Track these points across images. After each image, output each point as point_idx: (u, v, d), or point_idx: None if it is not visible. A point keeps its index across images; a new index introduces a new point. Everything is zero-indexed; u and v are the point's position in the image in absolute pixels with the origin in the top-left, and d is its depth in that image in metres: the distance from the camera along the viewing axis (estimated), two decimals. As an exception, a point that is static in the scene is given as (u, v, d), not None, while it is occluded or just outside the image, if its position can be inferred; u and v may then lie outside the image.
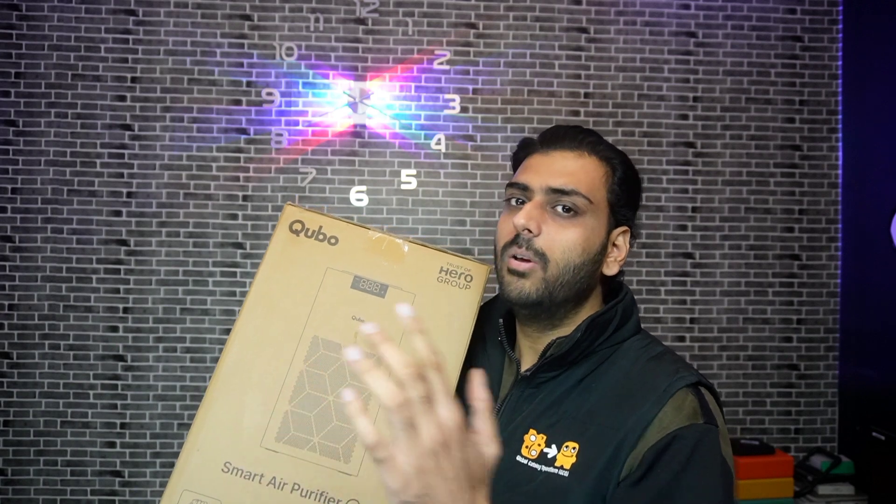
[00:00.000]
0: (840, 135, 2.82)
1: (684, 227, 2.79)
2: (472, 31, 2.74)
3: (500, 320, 0.88)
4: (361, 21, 2.72)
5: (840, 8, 2.81)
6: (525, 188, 0.81)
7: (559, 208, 0.79)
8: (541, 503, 0.72)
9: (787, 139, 2.81)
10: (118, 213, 2.66)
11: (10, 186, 2.64)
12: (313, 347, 0.82)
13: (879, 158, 2.60)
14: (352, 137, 2.72)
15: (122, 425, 2.63)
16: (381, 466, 0.50)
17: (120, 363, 2.65)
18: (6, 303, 2.63)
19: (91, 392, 2.63)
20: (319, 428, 0.79)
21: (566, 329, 0.83)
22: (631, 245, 0.86)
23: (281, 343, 0.81)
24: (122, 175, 2.66)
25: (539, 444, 0.76)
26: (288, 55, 2.70)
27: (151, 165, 2.67)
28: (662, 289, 2.78)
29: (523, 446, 0.77)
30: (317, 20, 2.71)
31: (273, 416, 0.79)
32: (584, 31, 2.77)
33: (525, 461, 0.75)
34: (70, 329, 2.64)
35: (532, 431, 0.77)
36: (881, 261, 2.55)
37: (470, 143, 2.72)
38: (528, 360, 0.86)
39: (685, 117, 2.79)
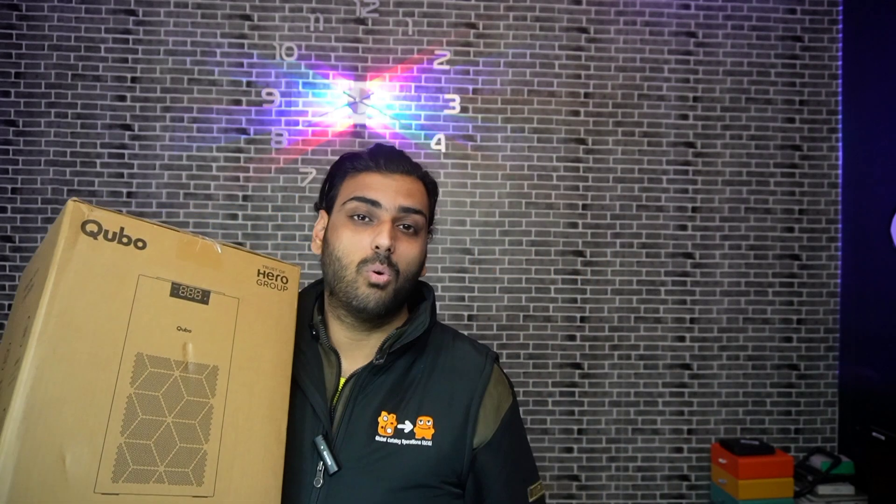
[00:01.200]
0: (840, 135, 2.82)
1: (684, 227, 2.79)
2: (472, 31, 2.74)
3: (319, 318, 0.96)
4: (361, 21, 2.72)
5: (840, 8, 2.81)
6: (375, 204, 0.90)
7: (403, 227, 0.91)
8: (411, 470, 0.85)
9: (787, 139, 2.81)
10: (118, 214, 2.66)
11: (10, 186, 2.64)
12: (139, 367, 0.72)
13: (879, 158, 2.60)
14: (352, 137, 2.72)
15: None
16: None
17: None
18: (6, 303, 2.63)
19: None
20: (163, 455, 0.71)
21: (392, 325, 0.95)
22: (430, 240, 1.01)
23: (97, 367, 0.69)
24: (122, 175, 2.66)
25: (391, 423, 0.87)
26: (288, 55, 2.70)
27: (151, 165, 2.67)
28: (662, 289, 2.78)
29: (379, 427, 0.87)
30: (317, 20, 2.71)
31: (104, 455, 0.67)
32: (584, 31, 2.77)
33: (384, 439, 0.86)
34: (70, 329, 2.63)
35: (383, 413, 0.88)
36: (881, 261, 2.55)
37: (470, 143, 2.72)
38: (348, 355, 0.93)
39: (685, 117, 2.79)
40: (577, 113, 2.77)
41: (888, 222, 2.50)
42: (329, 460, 0.83)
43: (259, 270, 0.85)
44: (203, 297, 0.79)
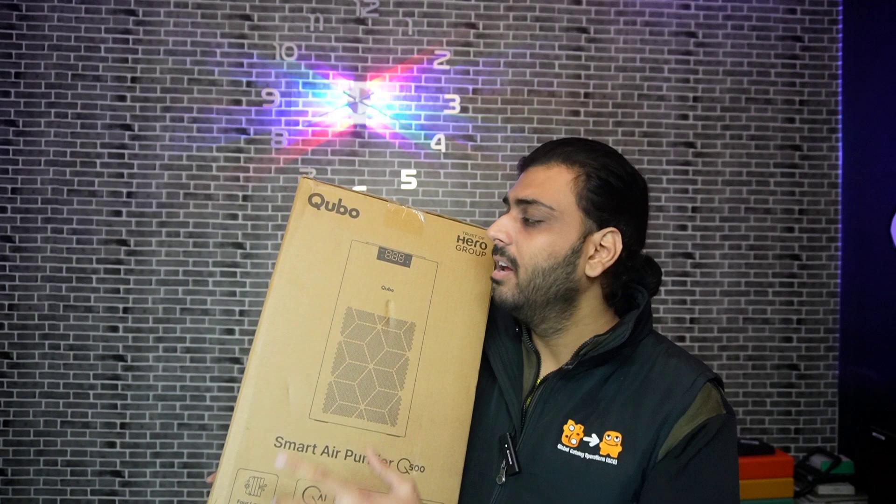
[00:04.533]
0: (840, 135, 2.82)
1: (684, 227, 2.79)
2: (472, 31, 2.74)
3: None
4: (361, 21, 2.72)
5: (840, 8, 2.81)
6: (506, 201, 0.90)
7: (525, 219, 0.86)
8: (591, 488, 0.80)
9: (787, 139, 2.81)
10: (118, 213, 2.66)
11: (10, 186, 2.64)
12: (348, 319, 0.84)
13: (879, 158, 2.60)
14: (352, 137, 2.72)
15: (122, 425, 2.63)
16: None
17: (120, 363, 2.65)
18: (6, 303, 2.63)
19: (91, 392, 2.63)
20: (364, 395, 0.82)
21: (571, 331, 0.88)
22: (626, 245, 0.88)
23: (315, 317, 0.83)
24: (122, 175, 2.67)
25: (578, 434, 0.83)
26: (288, 55, 2.70)
27: (151, 165, 2.67)
28: (662, 289, 2.78)
29: (563, 436, 0.83)
30: (317, 20, 2.71)
31: (318, 389, 0.81)
32: (584, 31, 2.77)
33: (567, 449, 0.82)
34: (70, 329, 2.64)
35: (570, 422, 0.84)
36: (881, 261, 2.55)
37: (470, 143, 2.72)
38: (547, 357, 0.91)
39: (685, 117, 2.79)
40: (577, 113, 2.77)
41: (888, 222, 2.50)
42: (511, 460, 0.84)
43: (459, 236, 0.92)
44: (405, 260, 0.88)
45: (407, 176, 2.71)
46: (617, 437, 0.81)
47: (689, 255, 2.79)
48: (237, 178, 2.69)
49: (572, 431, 0.83)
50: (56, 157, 2.65)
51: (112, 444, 2.63)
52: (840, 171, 2.81)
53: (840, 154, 2.82)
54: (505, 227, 0.86)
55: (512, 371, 0.90)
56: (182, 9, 2.67)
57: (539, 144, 2.85)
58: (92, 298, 2.64)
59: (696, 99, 2.79)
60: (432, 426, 0.85)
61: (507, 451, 0.84)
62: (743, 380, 2.78)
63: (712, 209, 2.80)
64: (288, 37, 2.70)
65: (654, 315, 2.74)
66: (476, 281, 0.92)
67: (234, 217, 2.69)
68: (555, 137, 2.80)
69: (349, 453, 0.80)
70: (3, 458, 2.61)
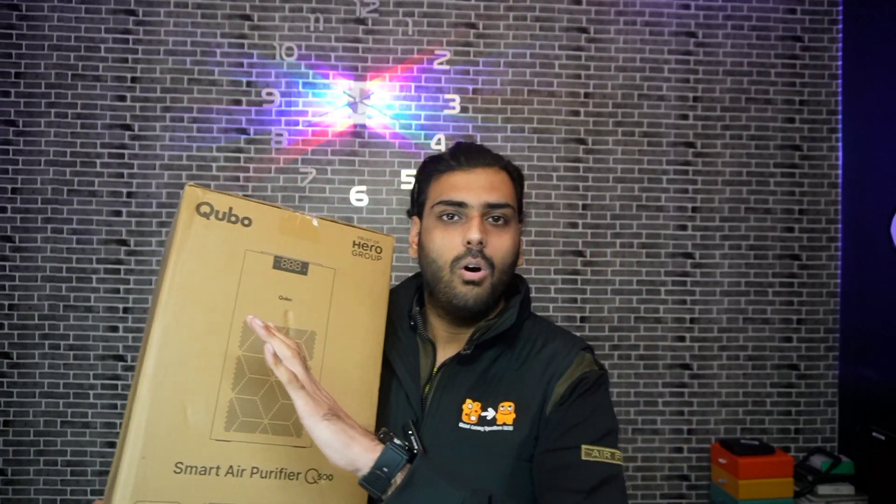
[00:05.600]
0: (840, 135, 2.82)
1: (684, 227, 2.79)
2: (472, 31, 2.74)
3: (417, 309, 0.99)
4: (361, 21, 2.72)
5: (840, 8, 2.81)
6: (461, 204, 0.91)
7: (493, 220, 0.92)
8: (492, 455, 0.86)
9: (787, 139, 2.81)
10: (118, 213, 2.66)
11: (10, 186, 2.64)
12: (246, 332, 0.81)
13: (879, 158, 2.60)
14: (352, 137, 2.72)
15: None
16: (297, 396, 0.71)
17: (120, 363, 2.65)
18: (6, 303, 2.63)
19: (91, 392, 2.63)
20: (267, 409, 0.80)
21: (486, 316, 0.96)
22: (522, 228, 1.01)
23: (211, 333, 0.79)
24: (122, 175, 2.66)
25: (476, 411, 0.89)
26: (288, 55, 2.70)
27: (151, 165, 2.67)
28: (662, 289, 2.78)
29: (463, 414, 0.89)
30: (317, 20, 2.71)
31: (218, 408, 0.78)
32: (584, 31, 2.77)
33: (468, 426, 0.88)
34: (70, 329, 2.64)
35: (468, 401, 0.90)
36: (881, 261, 2.55)
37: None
38: (444, 346, 0.97)
39: (685, 117, 2.79)
40: (577, 113, 2.76)
41: (888, 222, 2.50)
42: (416, 445, 0.87)
43: (354, 241, 0.91)
44: (302, 268, 0.86)
45: (407, 176, 2.71)
46: (510, 406, 0.89)
47: (689, 255, 2.79)
48: (237, 178, 2.69)
49: (471, 409, 0.89)
50: (56, 157, 2.65)
51: (112, 444, 2.63)
52: (840, 171, 2.81)
53: (840, 154, 2.82)
54: (483, 230, 0.90)
55: (409, 362, 0.94)
56: (182, 9, 2.67)
57: (538, 144, 2.82)
58: (92, 298, 2.64)
59: (696, 99, 2.79)
60: None
61: (412, 437, 0.87)
62: (743, 380, 2.78)
63: (712, 209, 2.80)
64: (288, 37, 2.70)
65: (656, 314, 2.75)
66: (374, 286, 0.91)
67: (234, 217, 2.69)
68: (555, 138, 2.80)
69: (255, 470, 0.78)
70: (3, 458, 2.61)
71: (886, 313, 2.52)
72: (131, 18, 2.66)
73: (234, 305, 0.81)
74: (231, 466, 0.77)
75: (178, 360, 0.77)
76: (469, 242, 0.89)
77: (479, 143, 1.00)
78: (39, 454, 2.62)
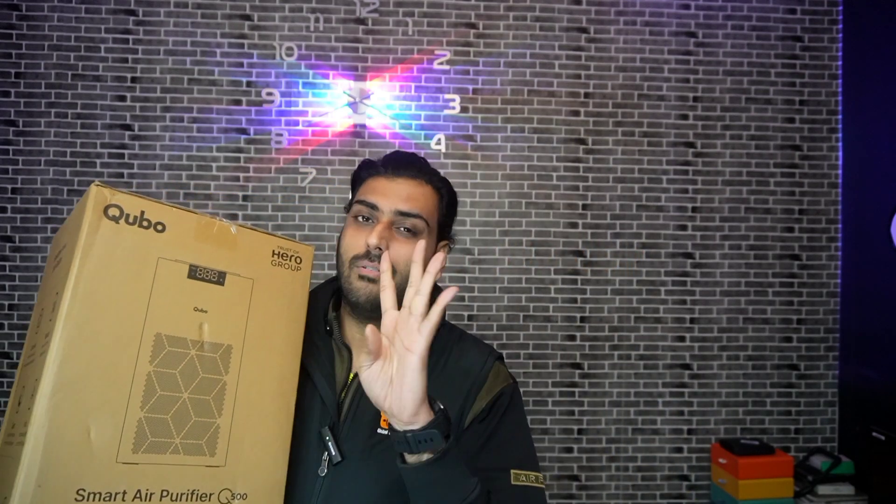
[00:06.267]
0: (840, 135, 2.82)
1: (684, 227, 2.79)
2: (472, 31, 2.74)
3: (333, 314, 1.00)
4: (361, 21, 2.72)
5: (840, 8, 2.81)
6: (374, 207, 0.94)
7: (402, 229, 0.94)
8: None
9: (787, 139, 2.81)
10: (118, 213, 2.66)
11: (10, 186, 2.64)
12: (158, 346, 0.76)
13: (879, 158, 2.60)
14: (352, 137, 2.72)
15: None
16: (425, 338, 0.74)
17: (120, 363, 2.65)
18: (6, 303, 2.63)
19: (91, 392, 2.63)
20: (179, 428, 0.76)
21: None
22: (448, 253, 1.05)
23: (119, 347, 0.74)
24: (122, 175, 2.66)
25: None
26: (288, 55, 2.70)
27: (151, 165, 2.67)
28: (662, 289, 2.78)
29: (381, 420, 0.90)
30: (317, 20, 2.71)
31: (125, 428, 0.73)
32: (584, 31, 2.77)
33: (384, 432, 0.89)
34: (70, 329, 2.63)
35: None
36: (881, 261, 2.55)
37: (470, 143, 2.72)
38: (360, 351, 0.98)
39: (685, 117, 2.79)
40: (577, 113, 2.76)
41: (888, 222, 2.50)
42: (333, 450, 0.87)
43: (274, 251, 0.88)
44: (219, 278, 0.82)
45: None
46: None
47: (689, 255, 2.79)
48: (237, 178, 2.69)
49: None
50: (56, 157, 2.65)
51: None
52: (840, 171, 2.81)
53: (840, 154, 2.82)
54: (384, 237, 0.91)
55: (325, 367, 0.94)
56: (182, 9, 2.67)
57: (538, 144, 2.81)
58: (92, 298, 2.64)
59: (696, 99, 2.79)
60: (253, 449, 0.81)
61: (329, 443, 0.88)
62: (743, 380, 2.78)
63: (712, 209, 2.80)
64: (288, 37, 2.70)
65: (656, 314, 2.75)
66: (293, 296, 0.89)
67: (234, 217, 2.69)
68: (555, 138, 2.80)
69: (165, 493, 0.74)
70: (3, 458, 2.61)
71: (886, 313, 2.52)
72: (131, 18, 2.66)
73: (144, 317, 0.76)
74: (139, 491, 0.72)
75: (81, 377, 0.71)
76: (368, 245, 0.90)
77: (415, 154, 1.03)
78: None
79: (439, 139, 2.72)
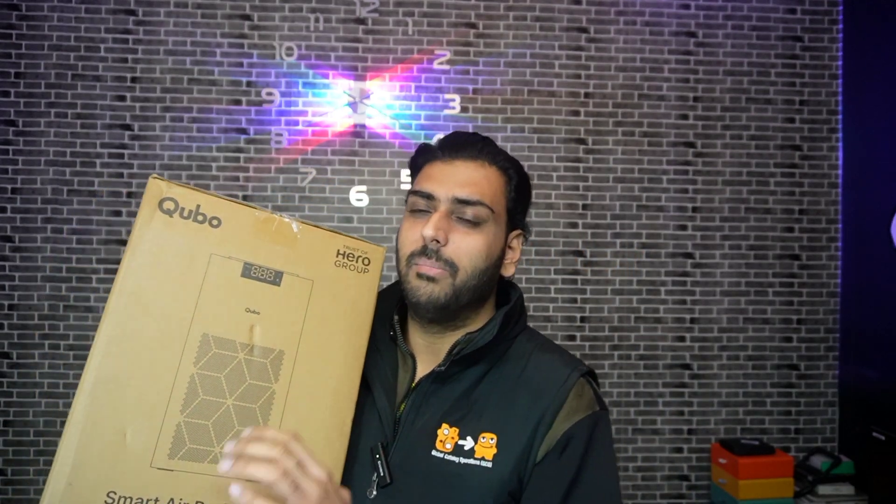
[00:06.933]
0: (840, 135, 2.82)
1: (684, 227, 2.79)
2: (472, 31, 2.74)
3: (396, 318, 0.89)
4: (361, 21, 2.72)
5: (840, 8, 2.81)
6: (430, 197, 0.82)
7: (464, 218, 0.81)
8: (466, 491, 0.76)
9: (787, 139, 2.81)
10: (118, 213, 2.66)
11: (10, 186, 2.64)
12: (203, 347, 0.71)
13: (879, 158, 2.60)
14: (352, 137, 2.72)
15: (122, 425, 2.63)
16: None
17: (120, 363, 2.64)
18: (6, 303, 2.63)
19: (91, 392, 2.63)
20: (220, 436, 0.70)
21: (468, 328, 0.86)
22: (523, 245, 0.91)
23: (162, 346, 0.70)
24: (122, 175, 2.66)
25: (453, 438, 0.78)
26: (288, 55, 2.69)
27: (151, 165, 2.67)
28: (662, 289, 2.78)
29: (437, 441, 0.78)
30: (317, 20, 2.71)
31: (163, 432, 0.68)
32: (584, 31, 2.77)
33: (441, 455, 0.77)
34: (70, 329, 2.64)
35: (444, 426, 0.79)
36: (881, 261, 2.55)
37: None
38: (425, 359, 0.86)
39: (685, 117, 2.79)
40: (577, 113, 2.76)
41: (888, 222, 2.50)
42: (382, 471, 0.78)
43: (339, 250, 0.81)
44: (275, 278, 0.77)
45: (407, 176, 2.71)
46: (492, 439, 0.78)
47: (689, 255, 2.79)
48: (237, 178, 2.69)
49: (447, 436, 0.79)
50: (56, 157, 2.65)
51: (112, 444, 2.63)
52: (840, 171, 2.81)
53: (840, 154, 2.82)
54: (442, 227, 0.80)
55: (386, 377, 0.85)
56: (182, 9, 2.67)
57: (538, 144, 2.81)
58: (92, 298, 2.64)
59: (696, 99, 2.79)
60: None
61: (379, 462, 0.78)
62: (743, 380, 2.78)
63: (712, 209, 2.80)
64: (288, 37, 2.70)
65: (656, 314, 2.75)
66: (357, 301, 0.81)
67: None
68: (555, 138, 2.80)
69: None
70: (3, 458, 2.61)
71: (886, 313, 2.52)
72: (131, 18, 2.66)
73: (191, 316, 0.71)
74: (172, 500, 0.67)
75: (121, 376, 0.68)
76: (424, 238, 0.79)
77: (475, 133, 0.90)
78: (39, 454, 2.62)
79: (439, 139, 2.72)
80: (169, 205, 0.73)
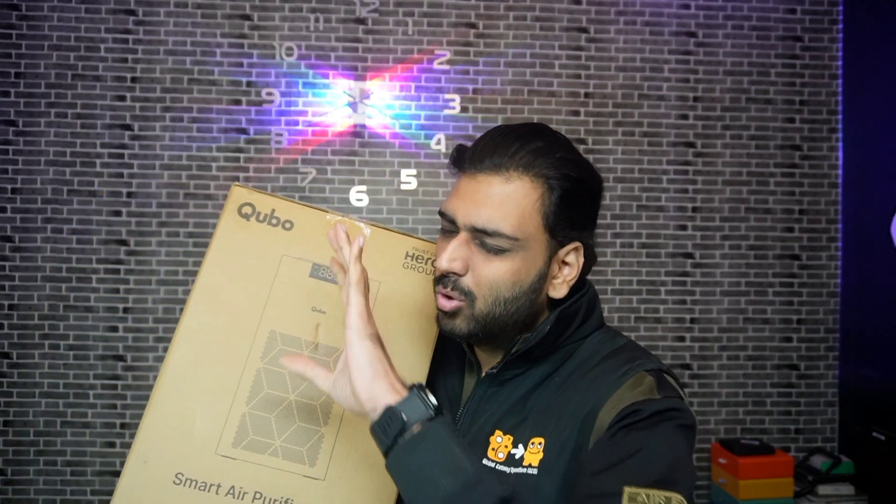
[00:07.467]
0: (840, 135, 2.82)
1: (684, 227, 2.79)
2: (472, 31, 2.74)
3: None
4: (361, 21, 2.72)
5: (840, 8, 2.81)
6: (453, 221, 0.74)
7: (482, 243, 0.72)
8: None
9: (787, 139, 2.81)
10: (118, 213, 2.66)
11: (10, 186, 2.64)
12: (270, 343, 0.75)
13: (879, 158, 2.60)
14: (352, 137, 2.72)
15: (122, 425, 2.63)
16: (356, 302, 0.65)
17: (120, 363, 2.65)
18: (6, 303, 2.63)
19: (91, 392, 2.63)
20: (281, 430, 0.73)
21: (524, 334, 0.79)
22: (587, 257, 0.77)
23: (233, 340, 0.74)
24: (122, 175, 2.66)
25: (506, 446, 0.74)
26: (288, 55, 2.70)
27: (151, 165, 2.67)
28: (662, 289, 2.78)
29: (489, 448, 0.74)
30: (317, 20, 2.71)
31: (228, 421, 0.72)
32: (584, 31, 2.77)
33: (493, 464, 0.73)
34: (70, 329, 2.64)
35: (498, 433, 0.75)
36: (881, 261, 2.55)
37: (470, 144, 2.72)
38: (488, 364, 0.82)
39: (685, 117, 2.79)
40: (577, 113, 2.76)
41: (888, 222, 2.50)
42: None
43: (407, 252, 0.82)
44: None
45: (407, 176, 2.71)
46: (540, 444, 0.72)
47: (689, 255, 2.79)
48: (237, 178, 2.69)
49: (500, 444, 0.74)
50: (56, 157, 2.65)
51: (112, 444, 2.63)
52: (840, 171, 2.81)
53: (840, 154, 2.82)
54: (459, 256, 0.71)
55: (453, 385, 0.83)
56: (182, 9, 2.67)
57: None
58: (92, 298, 2.64)
59: (696, 99, 2.79)
60: (357, 469, 0.74)
61: None
62: (743, 380, 2.78)
63: (712, 209, 2.80)
64: (288, 37, 2.70)
65: (656, 314, 2.74)
66: (424, 304, 0.81)
67: (234, 217, 2.69)
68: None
69: (258, 496, 0.71)
70: (3, 458, 2.61)
71: (886, 313, 2.52)
72: (131, 18, 2.66)
73: (261, 313, 0.76)
74: (233, 487, 0.71)
75: (194, 365, 0.73)
76: (438, 269, 0.73)
77: (510, 132, 0.77)
78: (39, 454, 2.62)
79: (439, 139, 2.72)
80: (247, 209, 0.79)
